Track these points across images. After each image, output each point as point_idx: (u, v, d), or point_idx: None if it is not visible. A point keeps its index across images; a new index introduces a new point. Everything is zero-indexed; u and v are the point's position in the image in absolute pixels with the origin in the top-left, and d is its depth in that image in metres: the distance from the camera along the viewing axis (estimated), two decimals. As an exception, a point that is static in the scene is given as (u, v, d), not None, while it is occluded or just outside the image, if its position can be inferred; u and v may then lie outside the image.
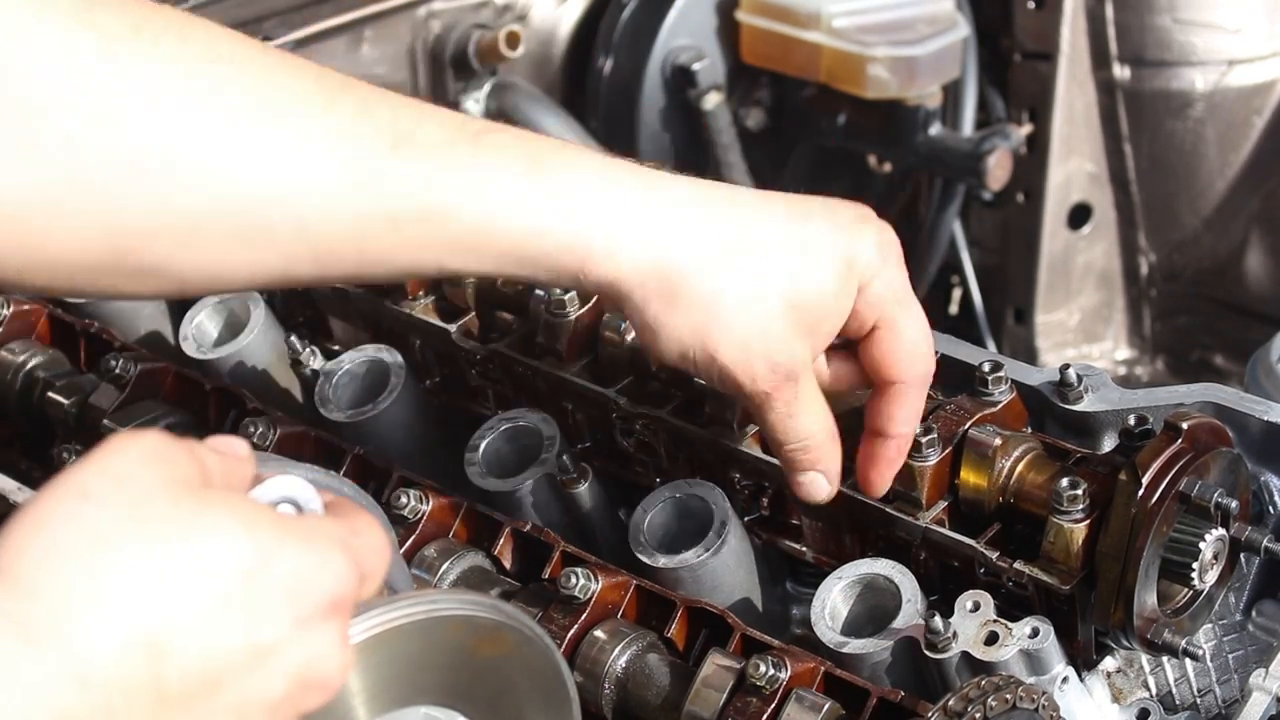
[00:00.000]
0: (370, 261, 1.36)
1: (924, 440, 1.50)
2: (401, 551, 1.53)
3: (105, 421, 1.81)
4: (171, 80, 1.28)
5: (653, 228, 1.38)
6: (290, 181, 1.31)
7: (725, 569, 1.60)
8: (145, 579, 0.97)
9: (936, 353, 1.61)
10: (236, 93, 1.30)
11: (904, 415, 1.48)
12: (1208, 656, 1.57)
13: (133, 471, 1.00)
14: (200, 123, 1.28)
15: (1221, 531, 1.45)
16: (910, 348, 1.46)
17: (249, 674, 1.01)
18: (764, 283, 1.39)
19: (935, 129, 3.05)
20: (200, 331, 1.94)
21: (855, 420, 1.52)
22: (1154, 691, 1.57)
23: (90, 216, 1.27)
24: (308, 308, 1.99)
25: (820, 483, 1.50)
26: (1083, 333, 3.28)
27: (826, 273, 1.40)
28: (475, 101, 2.87)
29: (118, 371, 1.83)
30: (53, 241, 1.28)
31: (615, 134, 3.04)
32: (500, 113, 2.88)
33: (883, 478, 1.51)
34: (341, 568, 1.05)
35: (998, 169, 3.00)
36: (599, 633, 1.52)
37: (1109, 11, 3.02)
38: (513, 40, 2.79)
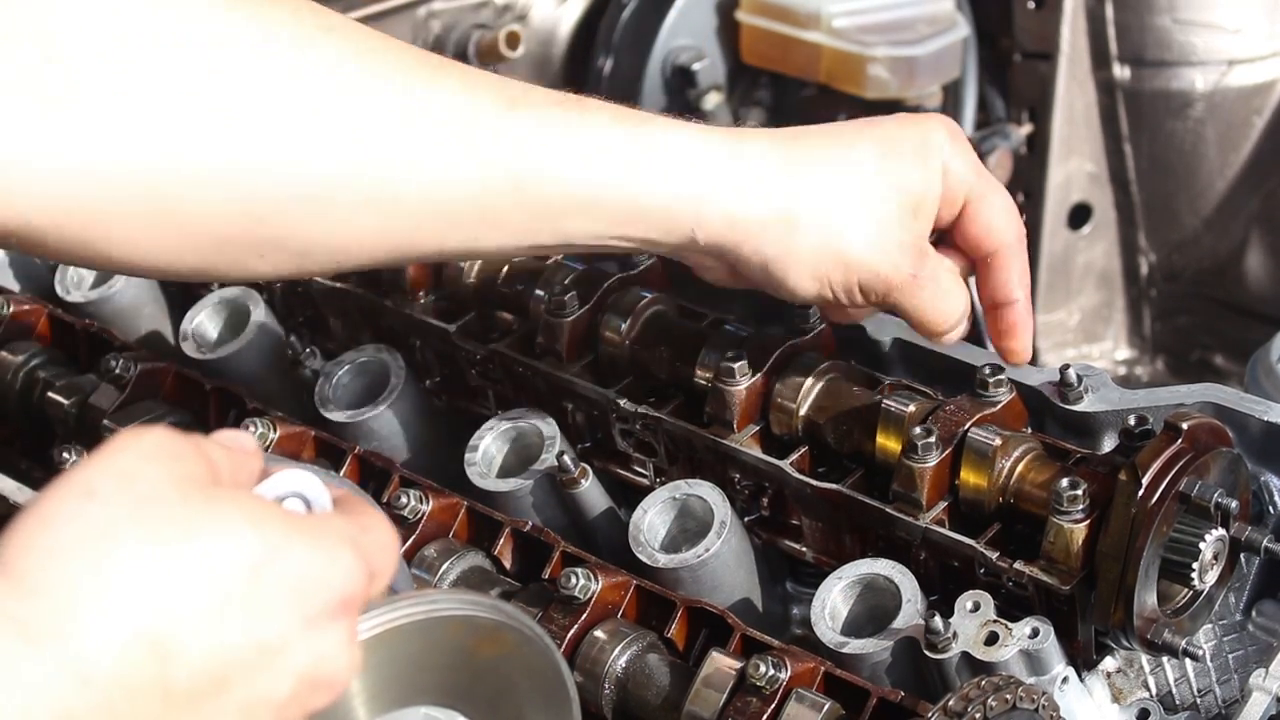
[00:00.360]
0: (490, 224, 1.41)
1: (923, 441, 1.50)
2: (401, 551, 1.53)
3: (105, 421, 1.81)
4: (292, 52, 1.32)
5: (756, 177, 1.45)
6: (416, 149, 1.36)
7: (725, 569, 1.60)
8: (151, 577, 0.96)
9: (937, 352, 1.62)
10: (353, 65, 1.34)
11: (1020, 275, 1.56)
12: (1208, 656, 1.57)
13: (139, 469, 0.99)
14: (322, 96, 1.33)
15: (1221, 531, 1.45)
16: (1005, 211, 1.54)
17: (255, 674, 1.00)
18: (866, 187, 1.47)
19: (935, 129, 3.05)
20: (200, 331, 1.94)
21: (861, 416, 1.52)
22: (1154, 691, 1.57)
23: (225, 190, 1.31)
24: (308, 307, 1.99)
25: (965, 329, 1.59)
26: (1083, 333, 3.28)
27: (912, 159, 1.49)
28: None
29: (118, 371, 1.83)
30: (189, 215, 1.31)
31: (615, 134, 3.03)
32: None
33: (1023, 343, 1.58)
34: (350, 566, 1.04)
35: (998, 169, 3.01)
36: (599, 633, 1.52)
37: (1109, 11, 3.02)
38: (513, 40, 2.79)
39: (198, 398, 1.85)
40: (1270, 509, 1.56)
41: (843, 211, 1.46)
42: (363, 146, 1.34)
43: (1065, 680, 1.49)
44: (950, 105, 3.13)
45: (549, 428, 1.71)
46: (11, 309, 1.98)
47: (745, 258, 1.47)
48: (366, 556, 1.06)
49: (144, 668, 0.95)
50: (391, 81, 1.36)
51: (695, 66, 3.02)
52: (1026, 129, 3.12)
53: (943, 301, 1.52)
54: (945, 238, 1.56)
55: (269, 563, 0.99)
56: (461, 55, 2.81)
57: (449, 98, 1.37)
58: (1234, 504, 1.44)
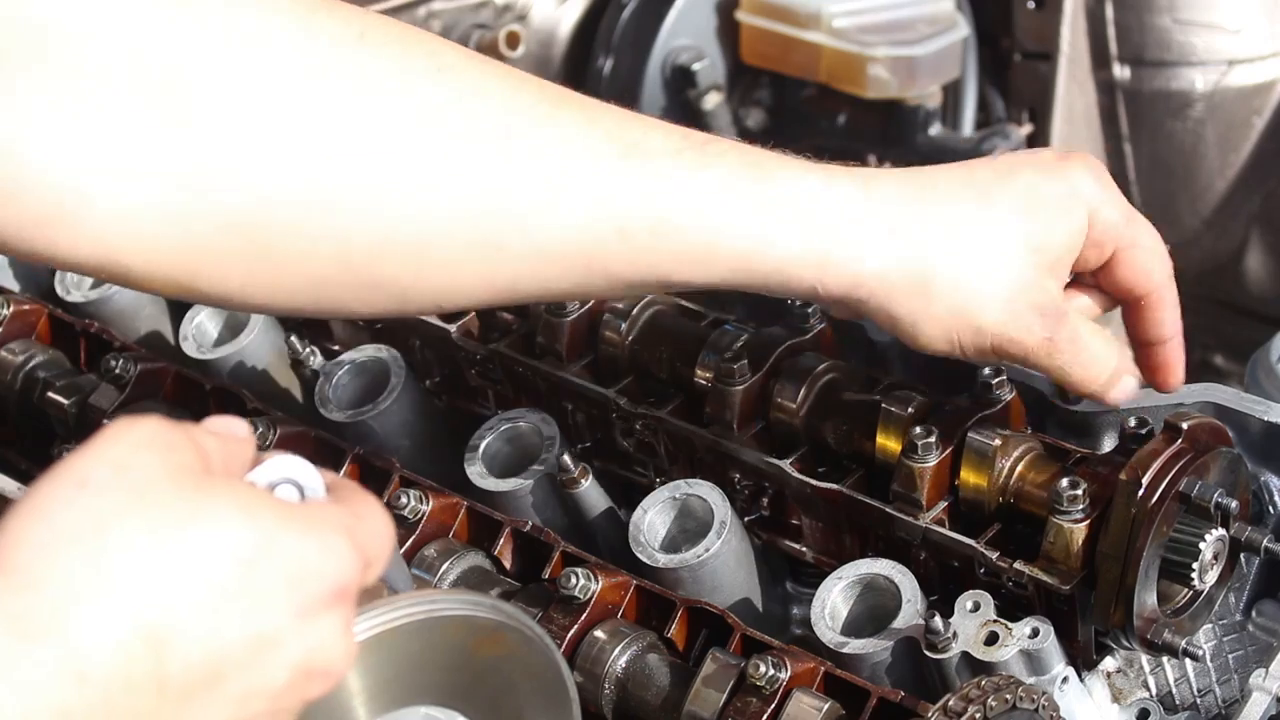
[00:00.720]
0: (597, 273, 1.35)
1: (923, 441, 1.50)
2: (401, 551, 1.53)
3: (105, 422, 1.81)
4: (398, 93, 1.27)
5: (887, 229, 1.38)
6: (522, 196, 1.30)
7: (725, 569, 1.60)
8: (145, 570, 0.95)
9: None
10: (461, 107, 1.29)
11: (1173, 314, 1.54)
12: (1208, 656, 1.57)
13: (132, 458, 0.98)
14: (428, 140, 1.28)
15: (1221, 532, 1.45)
16: (1156, 255, 1.50)
17: (251, 665, 0.99)
18: (1006, 250, 1.40)
19: (935, 129, 3.05)
20: (200, 331, 1.94)
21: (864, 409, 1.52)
22: (1154, 691, 1.57)
23: (323, 231, 1.27)
24: (308, 308, 1.99)
25: (1130, 384, 1.52)
26: (1083, 333, 3.27)
27: (1055, 214, 1.42)
28: (475, 101, 2.87)
29: (118, 371, 1.83)
30: (285, 255, 1.27)
31: (615, 134, 3.03)
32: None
33: (1177, 375, 1.54)
34: (345, 554, 1.03)
35: (998, 169, 3.00)
36: (599, 633, 1.52)
37: (1109, 11, 3.02)
38: (513, 40, 2.79)
39: (198, 398, 1.85)
40: (1270, 509, 1.56)
41: (977, 275, 1.39)
42: (462, 199, 1.29)
43: (1065, 680, 1.49)
44: (950, 105, 3.13)
45: (549, 428, 1.71)
46: (11, 309, 1.98)
47: (872, 312, 1.41)
48: (361, 544, 1.05)
49: (140, 662, 0.95)
50: (499, 126, 1.30)
51: (695, 66, 3.02)
52: (1026, 129, 3.12)
53: (1087, 362, 1.46)
54: (1087, 277, 1.51)
55: (263, 554, 0.99)
56: (461, 55, 2.81)
57: (559, 145, 1.32)
58: (1234, 504, 1.44)
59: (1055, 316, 1.43)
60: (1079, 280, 1.51)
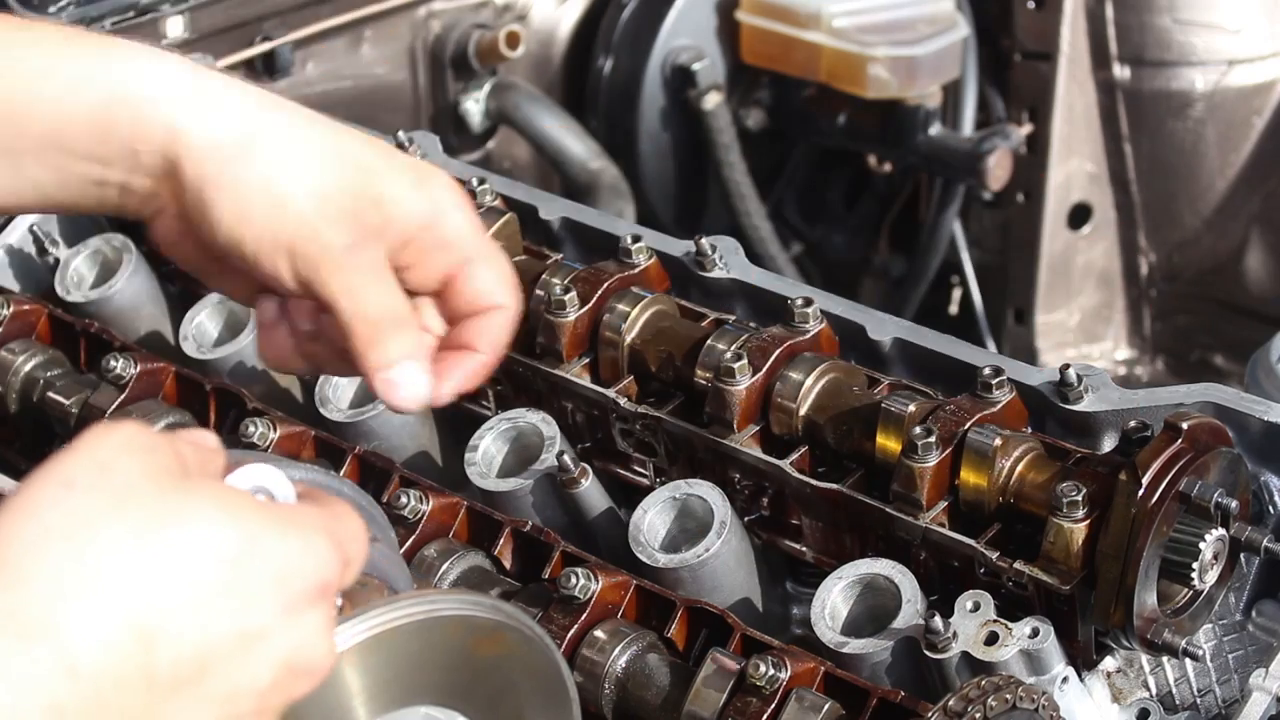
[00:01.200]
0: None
1: (923, 441, 1.50)
2: (401, 551, 1.53)
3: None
4: None
5: (218, 102, 1.29)
6: None
7: (725, 569, 1.60)
8: (133, 567, 0.97)
9: (937, 352, 1.61)
10: None
11: (506, 336, 1.41)
12: (1208, 656, 1.57)
13: (115, 460, 1.00)
14: None
15: (1221, 532, 1.45)
16: (505, 280, 1.40)
17: (237, 662, 1.01)
18: (341, 149, 1.31)
19: (935, 129, 3.05)
20: (200, 331, 1.94)
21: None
22: (1154, 691, 1.57)
23: None
24: (308, 308, 1.99)
25: (408, 373, 1.35)
26: (1083, 333, 3.28)
27: (402, 167, 1.34)
28: (475, 101, 2.87)
29: (118, 371, 1.83)
30: None
31: (615, 134, 3.04)
32: (500, 112, 2.88)
33: (464, 388, 1.39)
34: (326, 553, 1.05)
35: (998, 169, 3.01)
36: (599, 633, 1.52)
37: (1109, 11, 3.02)
38: (513, 40, 2.79)
39: (198, 398, 1.85)
40: (1270, 508, 1.56)
41: (303, 158, 1.28)
42: None
43: (1065, 680, 1.49)
44: (950, 105, 3.13)
45: (549, 428, 1.71)
46: (11, 309, 1.98)
47: (184, 183, 1.26)
48: (340, 544, 1.07)
49: (131, 658, 0.96)
50: None
51: (695, 66, 3.02)
52: (1026, 129, 3.12)
53: (371, 304, 1.30)
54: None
55: (246, 553, 1.00)
56: (461, 55, 2.81)
57: None
58: (1234, 504, 1.44)
59: (370, 235, 1.29)
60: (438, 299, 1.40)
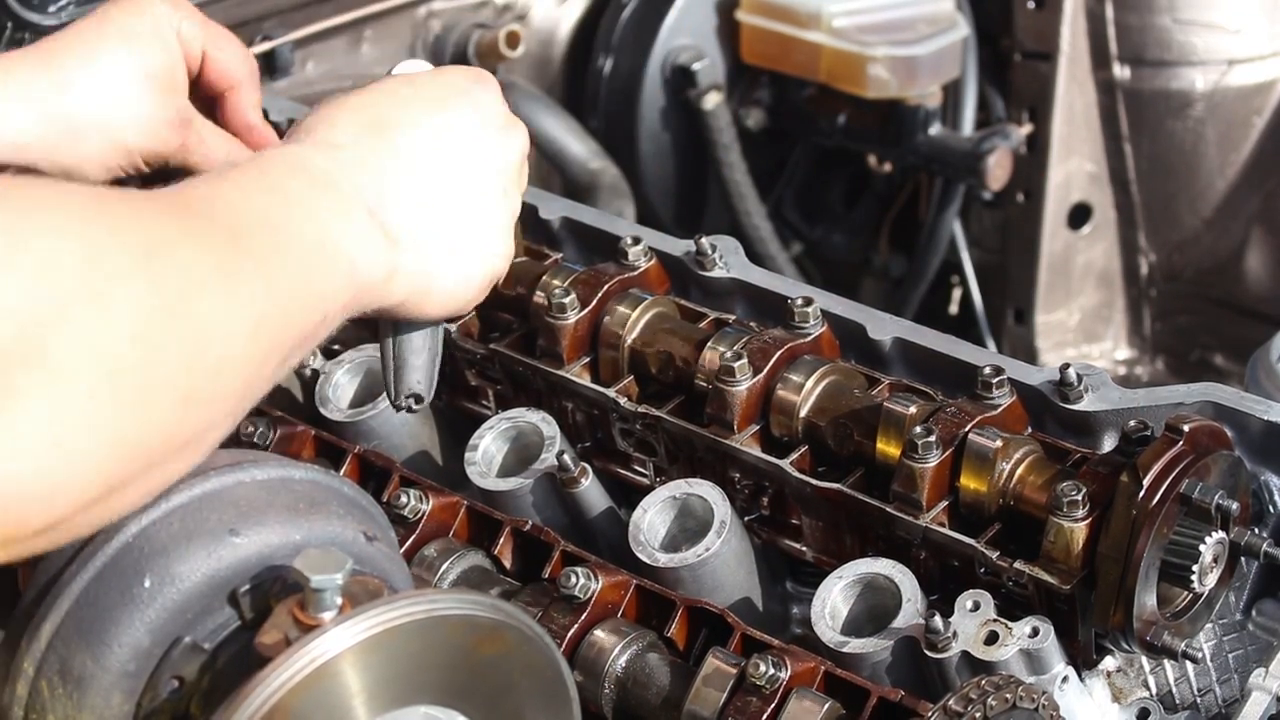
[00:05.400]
0: None
1: (924, 441, 1.50)
2: (401, 551, 1.53)
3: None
4: None
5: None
6: None
7: (725, 569, 1.60)
8: (357, 102, 1.44)
9: (937, 352, 1.61)
10: None
11: (256, 101, 1.81)
12: (1208, 656, 1.57)
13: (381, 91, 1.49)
14: None
15: (1222, 535, 1.45)
16: (238, 55, 1.78)
17: (454, 134, 1.46)
18: (128, 78, 1.67)
19: (935, 129, 3.05)
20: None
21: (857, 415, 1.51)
22: (1154, 691, 1.57)
23: None
24: (308, 307, 1.99)
25: None
26: (1083, 333, 3.28)
27: (150, 39, 1.70)
28: (475, 101, 2.87)
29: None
30: None
31: (615, 134, 3.04)
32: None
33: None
34: (462, 69, 1.53)
35: (998, 169, 3.01)
36: (599, 632, 1.52)
37: (1109, 11, 3.02)
38: (513, 40, 2.79)
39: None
40: (1270, 508, 1.56)
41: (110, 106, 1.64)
42: None
43: (1065, 680, 1.49)
44: (950, 105, 3.13)
45: (549, 428, 1.71)
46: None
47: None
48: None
49: (370, 141, 1.40)
50: None
51: (695, 66, 3.02)
52: (1026, 129, 3.12)
53: (212, 154, 1.73)
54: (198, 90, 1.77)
55: (428, 80, 1.52)
56: (461, 55, 2.81)
57: None
58: (1234, 506, 1.44)
59: (182, 125, 1.71)
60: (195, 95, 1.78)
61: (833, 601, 1.51)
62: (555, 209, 1.92)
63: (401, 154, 1.42)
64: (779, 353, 1.64)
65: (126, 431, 1.04)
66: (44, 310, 0.98)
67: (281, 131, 2.07)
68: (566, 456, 1.66)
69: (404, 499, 1.63)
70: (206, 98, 1.78)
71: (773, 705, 1.42)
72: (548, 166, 2.94)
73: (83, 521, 1.06)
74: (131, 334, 1.03)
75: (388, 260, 1.37)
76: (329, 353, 1.88)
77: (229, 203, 1.21)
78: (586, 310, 1.72)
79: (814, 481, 1.58)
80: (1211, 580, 1.47)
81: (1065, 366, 1.60)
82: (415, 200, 1.42)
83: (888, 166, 3.33)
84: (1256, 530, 1.53)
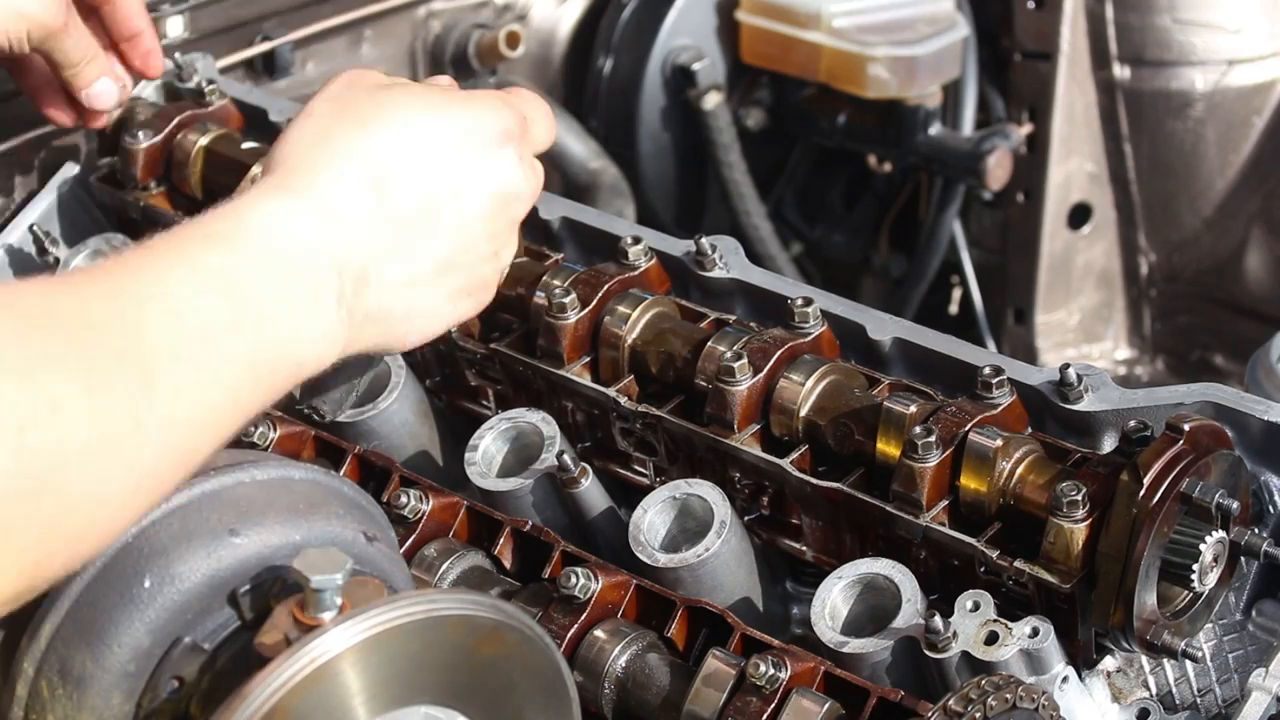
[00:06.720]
0: None
1: (924, 441, 1.50)
2: (401, 551, 1.53)
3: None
4: None
5: None
6: None
7: (725, 569, 1.60)
8: (361, 146, 1.37)
9: (937, 352, 1.60)
10: None
11: (141, 8, 2.00)
12: (1208, 656, 1.57)
13: (340, 89, 1.45)
14: None
15: (1222, 534, 1.45)
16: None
17: (456, 197, 1.42)
18: None
19: (935, 129, 3.05)
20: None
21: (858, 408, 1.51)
22: (1154, 691, 1.57)
23: None
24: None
25: (107, 87, 2.01)
26: (1083, 333, 3.28)
27: None
28: (475, 101, 2.87)
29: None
30: None
31: (615, 134, 3.04)
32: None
33: (159, 59, 2.04)
34: (502, 109, 1.47)
35: (998, 169, 3.00)
36: (599, 633, 1.52)
37: (1109, 11, 3.02)
38: (513, 40, 2.79)
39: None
40: (1270, 508, 1.56)
41: None
42: None
43: (1065, 680, 1.49)
44: (950, 105, 3.13)
45: (549, 428, 1.71)
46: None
47: None
48: (515, 106, 1.49)
49: (370, 201, 1.35)
50: None
51: (695, 66, 3.02)
52: (1026, 129, 3.12)
53: (87, 47, 1.93)
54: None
55: (441, 121, 1.42)
56: (461, 55, 2.81)
57: None
58: (1234, 505, 1.44)
59: (65, 4, 1.87)
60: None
61: (833, 601, 1.51)
62: (555, 209, 1.92)
63: (401, 222, 1.39)
64: (779, 352, 1.64)
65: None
66: None
67: (270, 125, 2.08)
68: (566, 456, 1.66)
69: (404, 499, 1.63)
70: (90, 7, 1.95)
71: (773, 705, 1.42)
72: (547, 166, 2.93)
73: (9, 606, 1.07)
74: None
75: (343, 341, 1.34)
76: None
77: (153, 321, 1.15)
78: (587, 310, 1.72)
79: (814, 481, 1.58)
80: (1211, 580, 1.47)
81: (1065, 366, 1.60)
82: (401, 277, 1.39)
83: (888, 166, 3.33)
84: (1256, 530, 1.53)
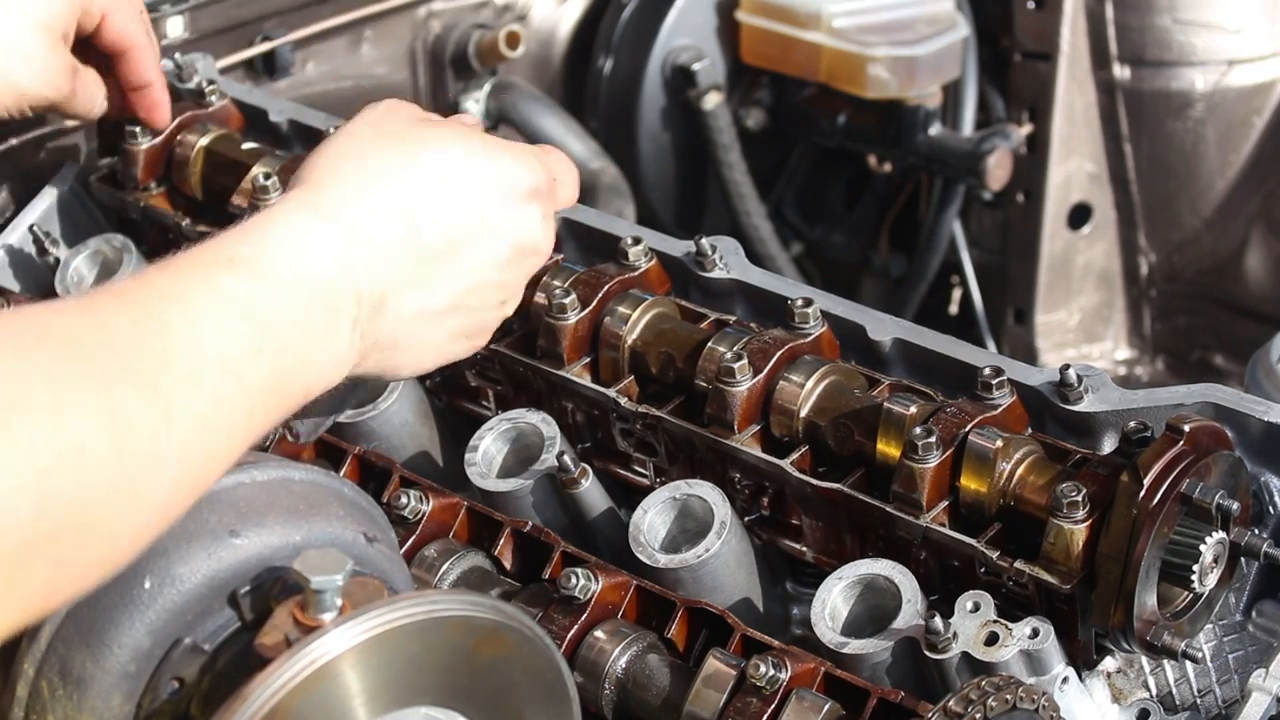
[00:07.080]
0: None
1: (924, 441, 1.50)
2: (401, 551, 1.53)
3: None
4: None
5: None
6: None
7: (725, 569, 1.60)
8: (399, 176, 1.39)
9: (937, 353, 1.60)
10: None
11: (155, 61, 1.98)
12: (1208, 657, 1.57)
13: (383, 115, 1.47)
14: None
15: (1222, 535, 1.45)
16: (135, 17, 1.93)
17: (478, 242, 1.44)
18: (21, 28, 1.82)
19: (935, 129, 3.05)
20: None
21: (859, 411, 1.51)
22: (1154, 692, 1.57)
23: None
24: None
25: None
26: (1083, 333, 3.28)
27: None
28: (475, 102, 2.87)
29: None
30: None
31: (615, 134, 3.04)
32: (500, 112, 2.88)
33: (166, 110, 2.01)
34: (533, 165, 1.49)
35: (998, 169, 3.00)
36: (599, 633, 1.52)
37: (1109, 11, 3.02)
38: (513, 40, 2.79)
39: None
40: (1270, 509, 1.56)
41: (16, 34, 1.80)
42: None
43: (1065, 680, 1.49)
44: (950, 105, 3.13)
45: (549, 428, 1.71)
46: (11, 308, 1.97)
47: None
48: (545, 164, 1.52)
49: (401, 232, 1.37)
50: None
51: (695, 66, 3.02)
52: (1026, 129, 3.12)
53: (91, 100, 1.95)
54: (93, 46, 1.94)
55: (475, 166, 1.44)
56: (461, 55, 2.81)
57: None
58: (1235, 505, 1.44)
59: (71, 73, 1.88)
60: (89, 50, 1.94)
61: (833, 602, 1.51)
62: (555, 209, 1.92)
63: (425, 254, 1.40)
64: (779, 353, 1.64)
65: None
66: None
67: (275, 129, 2.08)
68: (566, 457, 1.66)
69: (404, 500, 1.63)
70: (106, 56, 1.93)
71: (773, 706, 1.42)
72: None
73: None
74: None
75: (350, 365, 1.35)
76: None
77: (176, 349, 1.15)
78: (587, 310, 1.72)
79: (814, 481, 1.58)
80: (1212, 580, 1.47)
81: (1065, 367, 1.60)
82: (414, 309, 1.41)
83: (888, 167, 3.33)
84: (1257, 531, 1.53)
